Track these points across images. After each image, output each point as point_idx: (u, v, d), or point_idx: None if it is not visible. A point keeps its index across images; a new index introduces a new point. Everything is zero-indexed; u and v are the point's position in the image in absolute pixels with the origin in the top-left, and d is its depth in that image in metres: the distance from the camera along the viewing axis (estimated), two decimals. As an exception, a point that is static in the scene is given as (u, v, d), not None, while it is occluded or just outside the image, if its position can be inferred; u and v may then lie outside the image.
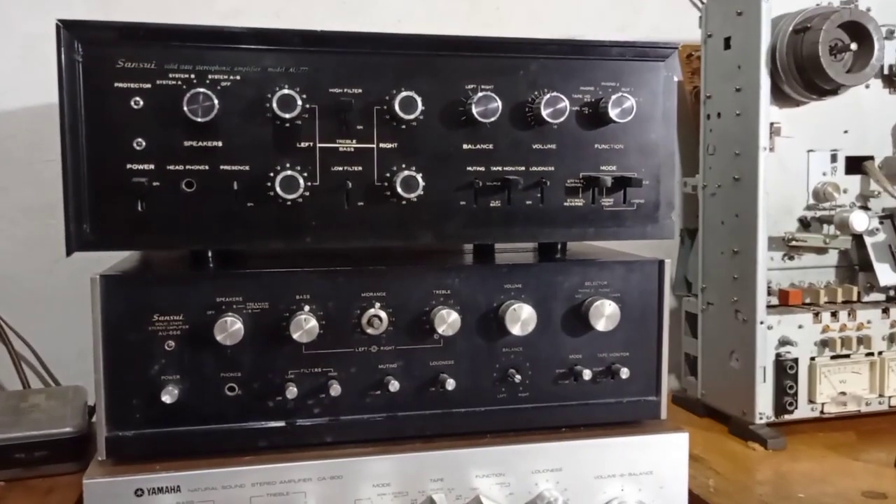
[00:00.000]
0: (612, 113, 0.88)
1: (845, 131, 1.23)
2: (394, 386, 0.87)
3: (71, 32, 0.79)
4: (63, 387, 1.28)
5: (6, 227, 1.30)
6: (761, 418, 1.19)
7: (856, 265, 1.25)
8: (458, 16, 1.47)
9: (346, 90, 0.85)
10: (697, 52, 1.31)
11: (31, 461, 1.03)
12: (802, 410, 1.21)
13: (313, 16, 1.41)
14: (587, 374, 0.91)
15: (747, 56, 1.18)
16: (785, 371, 1.19)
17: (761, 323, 1.19)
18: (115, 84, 0.80)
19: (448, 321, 0.87)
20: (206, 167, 0.83)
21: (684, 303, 1.38)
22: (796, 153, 1.22)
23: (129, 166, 0.81)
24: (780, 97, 1.19)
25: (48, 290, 1.31)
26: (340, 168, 0.85)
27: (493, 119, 0.86)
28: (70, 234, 0.80)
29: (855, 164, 1.23)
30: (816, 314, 1.21)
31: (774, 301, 1.22)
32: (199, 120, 0.80)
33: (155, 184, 0.82)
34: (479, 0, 1.48)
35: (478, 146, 0.88)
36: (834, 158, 1.23)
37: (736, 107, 1.21)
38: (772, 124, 1.18)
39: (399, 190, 0.85)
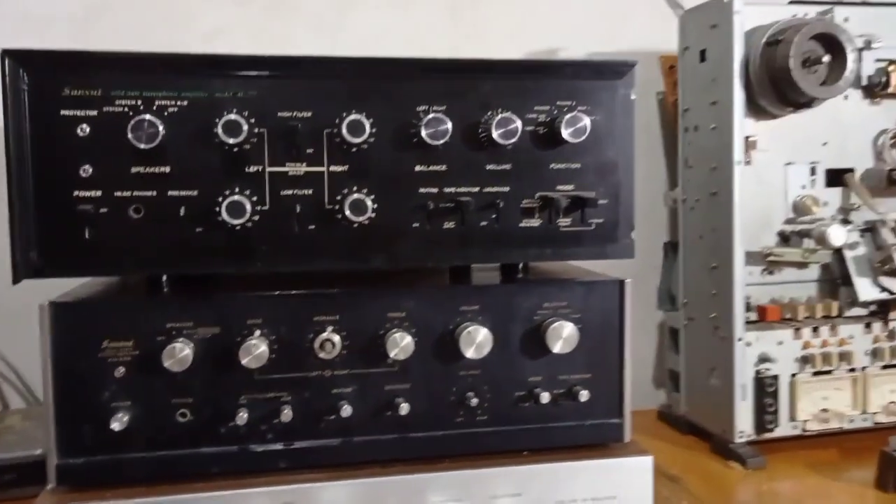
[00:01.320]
0: (565, 133, 0.87)
1: (824, 143, 1.20)
2: (346, 411, 0.86)
3: (16, 61, 0.79)
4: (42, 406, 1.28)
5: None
6: (741, 437, 1.17)
7: (837, 279, 1.23)
8: (439, 30, 1.47)
9: (295, 114, 0.84)
10: (678, 63, 1.30)
11: (1, 484, 1.04)
12: (784, 428, 1.19)
13: (293, 34, 1.41)
14: (546, 397, 0.90)
15: (721, 69, 1.17)
16: (764, 388, 1.17)
17: (739, 340, 1.17)
18: (62, 112, 0.80)
19: (401, 345, 0.86)
20: (154, 193, 0.82)
21: (668, 317, 1.37)
22: (774, 166, 1.20)
23: (75, 193, 0.81)
24: (756, 110, 1.17)
25: (28, 306, 1.31)
26: (290, 192, 0.85)
27: (443, 141, 0.85)
28: (17, 261, 0.80)
29: (835, 177, 1.21)
30: (797, 330, 1.19)
31: (754, 317, 1.20)
32: (143, 147, 0.80)
33: (102, 210, 0.81)
34: (459, 14, 1.47)
35: (430, 168, 0.87)
36: (813, 171, 1.21)
37: (711, 120, 1.20)
38: (747, 138, 1.17)
39: (348, 213, 0.84)
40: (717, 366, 1.21)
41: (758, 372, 1.18)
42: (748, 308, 1.19)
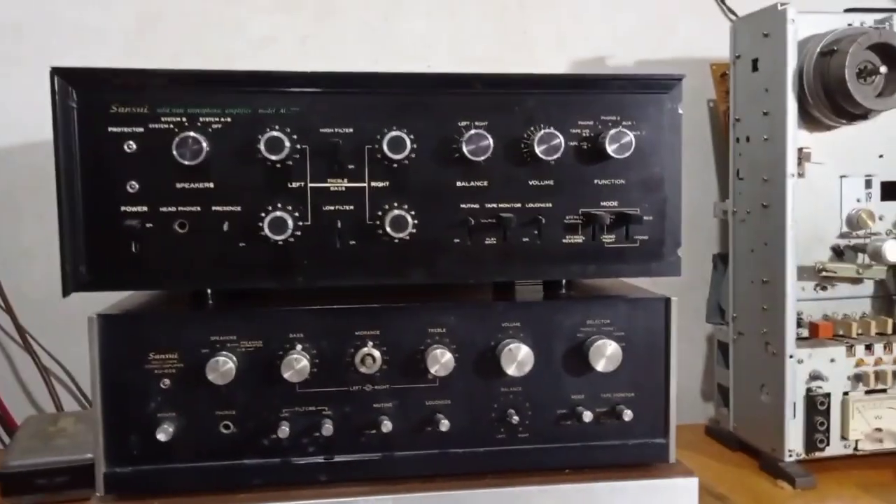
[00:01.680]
0: (610, 148, 0.85)
1: (880, 156, 1.17)
2: (387, 425, 0.86)
3: (65, 79, 0.81)
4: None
5: (42, 251, 1.34)
6: (791, 455, 1.14)
7: (893, 295, 1.19)
8: (486, 39, 1.46)
9: (336, 130, 0.85)
10: (729, 72, 1.27)
11: (53, 487, 1.06)
12: (835, 447, 1.16)
13: (341, 42, 1.42)
14: (588, 416, 0.89)
15: (774, 79, 1.14)
16: (816, 407, 1.14)
17: (791, 356, 1.14)
18: (109, 128, 0.82)
19: (441, 361, 0.86)
20: (199, 208, 0.83)
21: (717, 331, 1.34)
22: (828, 179, 1.16)
23: (123, 208, 0.82)
24: (810, 121, 1.14)
25: (81, 313, 1.34)
26: (332, 207, 0.85)
27: (484, 157, 0.84)
28: (66, 275, 0.82)
29: (891, 190, 1.17)
30: (850, 347, 1.15)
31: (806, 333, 1.17)
32: (187, 163, 0.81)
33: (148, 225, 0.83)
34: (506, 21, 1.46)
35: (471, 183, 0.87)
36: (869, 184, 1.17)
37: (763, 131, 1.17)
38: (801, 149, 1.14)
39: (388, 229, 0.84)
40: (767, 382, 1.18)
41: (809, 390, 1.15)
42: (800, 324, 1.16)
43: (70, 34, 1.32)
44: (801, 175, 1.14)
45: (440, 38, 1.46)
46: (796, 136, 1.12)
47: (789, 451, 1.14)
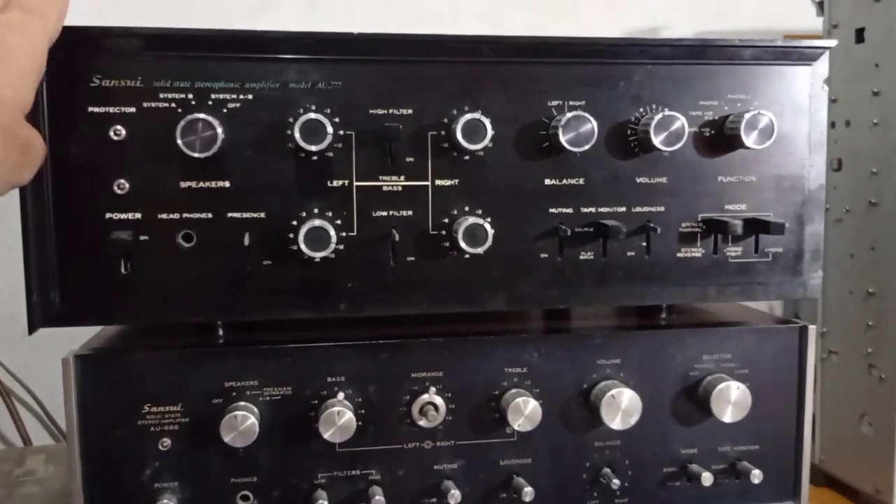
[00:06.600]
0: (748, 137, 0.66)
1: None
2: (454, 496, 0.66)
3: (30, 41, 0.60)
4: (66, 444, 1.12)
5: (5, 256, 1.13)
6: (903, 499, 0.97)
7: None
8: (524, 3, 1.26)
9: (391, 111, 0.64)
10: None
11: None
12: (954, 489, 0.98)
13: (354, 5, 1.21)
14: (706, 477, 0.70)
15: (888, 52, 0.95)
16: (934, 442, 0.97)
17: (904, 382, 0.96)
18: (90, 108, 0.61)
19: (525, 412, 0.66)
20: (210, 215, 0.63)
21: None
22: (949, 171, 0.98)
23: (108, 216, 0.62)
24: (932, 102, 0.95)
25: (53, 331, 1.13)
26: (384, 213, 0.65)
27: (587, 147, 0.65)
28: (33, 306, 0.62)
29: None
30: (974, 371, 0.98)
31: (919, 353, 0.99)
32: (196, 155, 0.60)
33: (143, 238, 0.62)
34: (548, -14, 1.26)
35: (564, 181, 0.67)
36: None
37: (872, 114, 0.98)
38: (921, 136, 0.95)
39: (462, 242, 0.64)
40: (870, 411, 1.00)
41: (924, 421, 0.97)
42: (911, 342, 0.98)
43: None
44: (917, 167, 0.96)
45: (469, 3, 1.25)
46: (918, 120, 0.94)
47: (901, 493, 0.97)
